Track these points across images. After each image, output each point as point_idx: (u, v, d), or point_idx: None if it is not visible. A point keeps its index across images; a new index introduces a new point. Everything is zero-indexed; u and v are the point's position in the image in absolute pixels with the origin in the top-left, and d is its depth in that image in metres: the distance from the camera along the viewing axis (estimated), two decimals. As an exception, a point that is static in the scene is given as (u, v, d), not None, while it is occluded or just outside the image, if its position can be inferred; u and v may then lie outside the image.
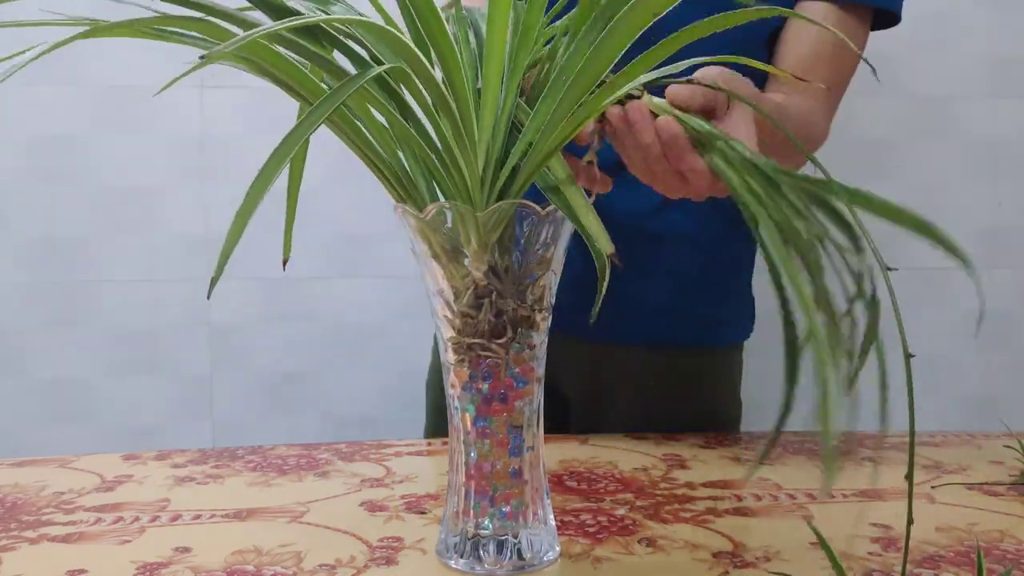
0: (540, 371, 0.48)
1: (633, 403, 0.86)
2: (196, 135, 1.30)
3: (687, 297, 0.85)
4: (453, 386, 0.48)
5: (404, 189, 0.46)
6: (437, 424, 0.91)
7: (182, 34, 0.40)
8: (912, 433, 0.33)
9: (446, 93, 0.41)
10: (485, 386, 0.47)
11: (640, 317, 0.84)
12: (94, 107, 1.28)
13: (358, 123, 0.45)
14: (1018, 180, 1.46)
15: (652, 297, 0.84)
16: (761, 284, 0.92)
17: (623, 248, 0.72)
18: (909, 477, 0.34)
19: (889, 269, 0.33)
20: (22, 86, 1.24)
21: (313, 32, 0.41)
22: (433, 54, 0.41)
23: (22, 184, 1.28)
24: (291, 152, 0.34)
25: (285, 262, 0.52)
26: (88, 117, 1.28)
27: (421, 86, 0.41)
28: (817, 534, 0.37)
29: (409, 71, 0.40)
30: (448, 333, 0.47)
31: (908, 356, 0.32)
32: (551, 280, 0.47)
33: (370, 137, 0.45)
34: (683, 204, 0.82)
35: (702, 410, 0.86)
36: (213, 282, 0.32)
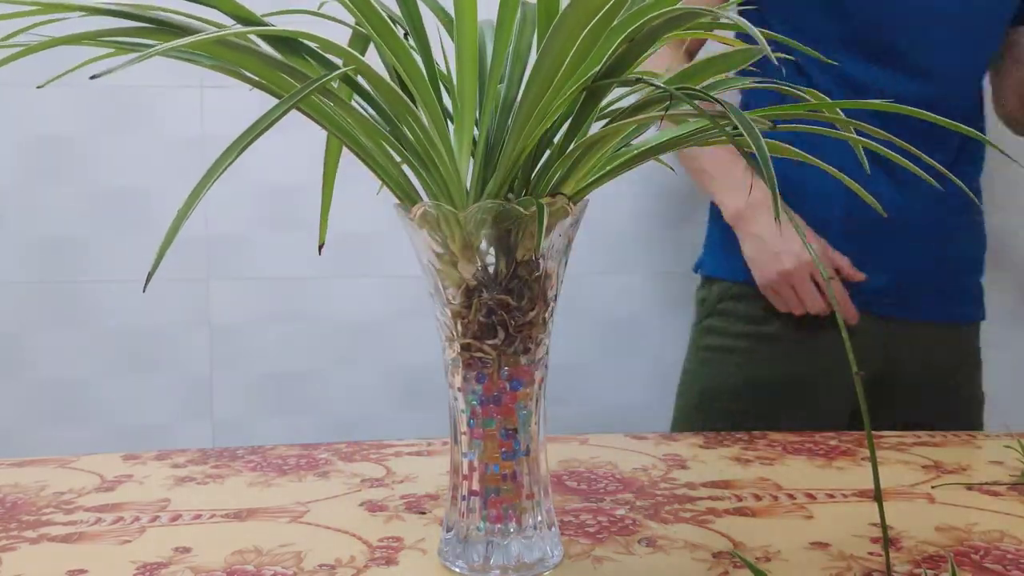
0: (539, 374, 0.48)
1: (920, 384, 0.99)
2: (196, 135, 1.30)
3: (961, 272, 1.03)
4: (451, 386, 0.48)
5: (402, 189, 0.46)
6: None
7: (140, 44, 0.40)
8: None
9: (402, 94, 0.40)
10: (479, 388, 0.46)
11: (928, 292, 0.98)
12: (94, 107, 1.28)
13: (350, 123, 0.44)
14: (1018, 180, 1.46)
15: (935, 270, 0.98)
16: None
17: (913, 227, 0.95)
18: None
19: (831, 278, 0.33)
20: (22, 87, 1.24)
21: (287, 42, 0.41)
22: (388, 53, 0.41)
23: (22, 184, 1.28)
24: (236, 154, 0.34)
25: (321, 247, 0.53)
26: (88, 117, 1.28)
27: (374, 91, 0.40)
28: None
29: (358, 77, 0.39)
30: (444, 333, 0.47)
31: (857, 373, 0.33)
32: (551, 284, 0.47)
33: (363, 138, 0.45)
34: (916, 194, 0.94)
35: (966, 395, 1.04)
36: (148, 277, 0.32)
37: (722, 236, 1.01)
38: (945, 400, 1.01)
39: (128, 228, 1.30)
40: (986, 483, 0.64)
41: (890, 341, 0.97)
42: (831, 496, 0.61)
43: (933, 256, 0.97)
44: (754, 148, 0.33)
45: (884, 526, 0.31)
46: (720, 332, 1.02)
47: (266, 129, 0.35)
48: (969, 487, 0.63)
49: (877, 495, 0.31)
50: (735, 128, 0.34)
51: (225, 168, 0.34)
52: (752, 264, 0.93)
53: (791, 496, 0.61)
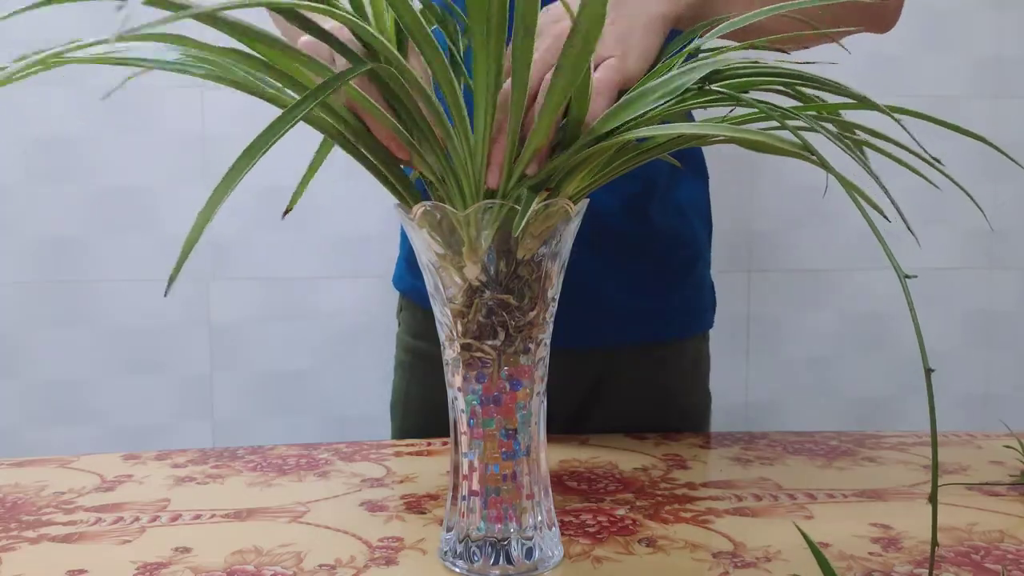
0: (539, 374, 0.48)
1: (611, 405, 0.85)
2: (196, 135, 1.30)
3: (657, 291, 0.85)
4: (451, 386, 0.48)
5: (397, 191, 0.46)
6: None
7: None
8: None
9: (432, 95, 0.40)
10: (479, 388, 0.46)
11: (613, 318, 0.83)
12: (95, 107, 1.28)
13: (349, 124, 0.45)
14: (1018, 180, 1.46)
15: (623, 296, 0.83)
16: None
17: (595, 249, 0.70)
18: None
19: (908, 277, 0.33)
20: (22, 86, 1.24)
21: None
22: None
23: (22, 184, 1.28)
24: (260, 152, 0.34)
25: (287, 212, 0.52)
26: (88, 117, 1.28)
27: (403, 84, 0.40)
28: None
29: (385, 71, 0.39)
30: (444, 332, 0.47)
31: (928, 370, 0.31)
32: (550, 284, 0.47)
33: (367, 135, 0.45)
34: (651, 199, 0.82)
35: (675, 405, 0.86)
36: (171, 280, 0.31)
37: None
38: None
39: (129, 228, 1.30)
40: (986, 483, 0.64)
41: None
42: (831, 496, 0.61)
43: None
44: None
45: (934, 528, 0.31)
46: None
47: (291, 126, 0.35)
48: (969, 487, 0.63)
49: (933, 496, 0.30)
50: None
51: (252, 165, 0.33)
52: None
53: (791, 496, 0.61)
